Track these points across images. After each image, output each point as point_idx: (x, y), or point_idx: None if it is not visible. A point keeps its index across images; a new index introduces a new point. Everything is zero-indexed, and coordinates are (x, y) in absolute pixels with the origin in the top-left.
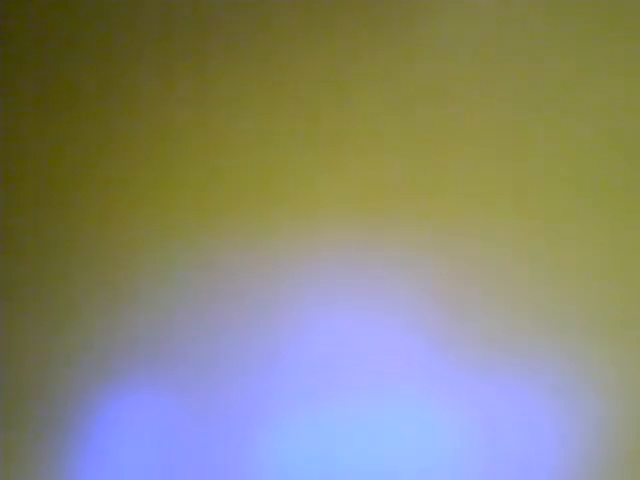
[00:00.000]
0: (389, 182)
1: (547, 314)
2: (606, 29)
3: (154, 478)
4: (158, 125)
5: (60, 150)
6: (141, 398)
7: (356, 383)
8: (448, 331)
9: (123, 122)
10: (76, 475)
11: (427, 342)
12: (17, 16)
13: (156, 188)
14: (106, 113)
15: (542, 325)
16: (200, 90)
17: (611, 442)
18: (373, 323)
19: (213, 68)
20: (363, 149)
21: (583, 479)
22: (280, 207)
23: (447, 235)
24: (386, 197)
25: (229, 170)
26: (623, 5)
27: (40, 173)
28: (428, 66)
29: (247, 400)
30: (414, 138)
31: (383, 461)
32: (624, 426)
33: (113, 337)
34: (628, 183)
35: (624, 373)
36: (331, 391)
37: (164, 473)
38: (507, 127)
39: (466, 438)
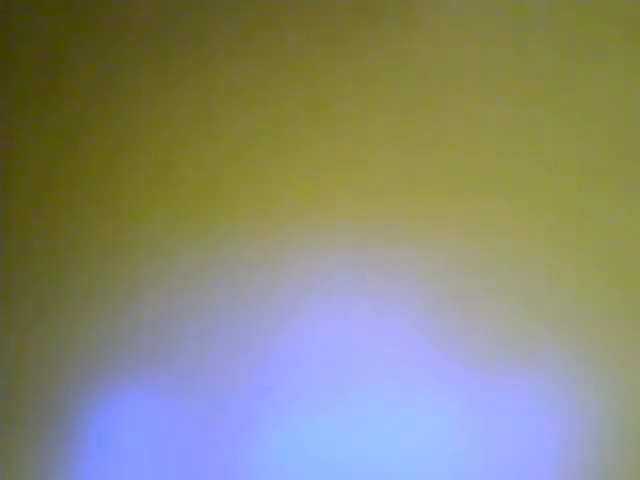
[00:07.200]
0: (392, 181)
1: (550, 316)
2: (607, 26)
3: (154, 475)
4: (158, 124)
5: (60, 150)
6: (140, 397)
7: (356, 381)
8: (452, 332)
9: (123, 121)
10: (76, 473)
11: (431, 343)
12: (18, 17)
13: (156, 186)
14: (106, 112)
15: (545, 327)
16: (200, 89)
17: (612, 442)
18: (374, 323)
19: (214, 68)
20: (365, 148)
21: (584, 479)
22: (279, 206)
23: (451, 236)
24: (390, 197)
25: (229, 168)
26: (623, 3)
27: (40, 173)
28: (429, 65)
29: (246, 397)
30: (417, 137)
31: (383, 459)
32: (624, 426)
33: (112, 336)
34: (630, 180)
35: (625, 374)
36: (330, 390)
37: (164, 470)
38: (508, 125)
39: (468, 437)
